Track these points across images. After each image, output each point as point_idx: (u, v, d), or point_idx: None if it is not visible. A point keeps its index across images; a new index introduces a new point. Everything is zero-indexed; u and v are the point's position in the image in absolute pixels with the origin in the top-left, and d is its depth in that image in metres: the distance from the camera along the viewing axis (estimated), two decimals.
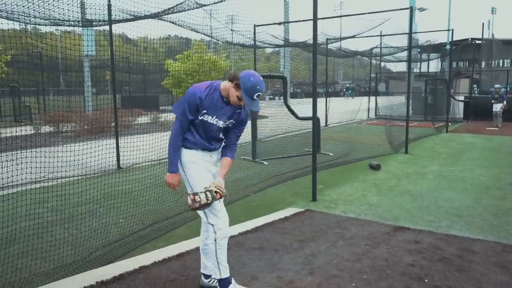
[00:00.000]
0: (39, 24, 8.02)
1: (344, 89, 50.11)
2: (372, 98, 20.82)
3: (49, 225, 4.89)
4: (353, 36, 12.33)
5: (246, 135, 10.75)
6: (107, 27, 8.16)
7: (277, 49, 18.36)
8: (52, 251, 4.07)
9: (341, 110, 18.48)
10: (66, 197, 5.84)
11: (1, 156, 5.83)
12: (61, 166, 6.49)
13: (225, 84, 3.00)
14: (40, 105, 18.22)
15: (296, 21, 10.71)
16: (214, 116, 3.02)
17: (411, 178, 7.23)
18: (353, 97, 39.41)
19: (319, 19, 5.68)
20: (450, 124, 15.02)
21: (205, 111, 2.97)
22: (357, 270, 3.46)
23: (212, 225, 3.01)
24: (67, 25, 8.49)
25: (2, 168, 5.43)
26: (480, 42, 31.05)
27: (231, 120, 3.11)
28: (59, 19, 7.58)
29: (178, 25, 7.49)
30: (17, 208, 4.68)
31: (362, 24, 11.49)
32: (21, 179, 5.62)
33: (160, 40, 11.60)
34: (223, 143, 3.23)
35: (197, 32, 7.90)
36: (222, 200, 3.07)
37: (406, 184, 6.80)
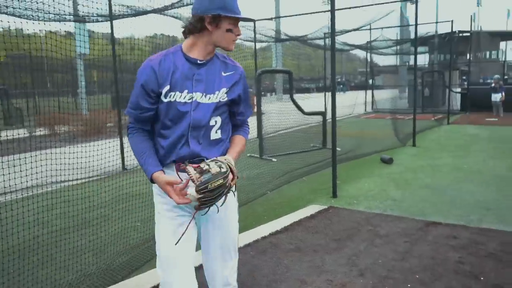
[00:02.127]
0: (33, 19, 7.65)
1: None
2: (369, 92, 20.75)
3: (62, 232, 4.61)
4: (357, 29, 12.18)
5: (252, 132, 10.60)
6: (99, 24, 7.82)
7: (265, 44, 17.97)
8: (72, 259, 3.81)
9: (338, 104, 18.32)
10: (74, 202, 5.54)
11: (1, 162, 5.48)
12: (62, 170, 6.15)
13: (189, 41, 1.90)
14: (30, 107, 17.75)
15: (309, 13, 10.49)
16: (185, 91, 1.86)
17: (427, 172, 7.09)
18: (345, 92, 39.41)
19: (337, 10, 5.48)
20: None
21: (167, 87, 1.84)
22: (407, 270, 3.28)
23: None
24: (64, 21, 8.14)
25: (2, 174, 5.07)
26: (467, 34, 31.31)
27: (224, 90, 1.94)
28: (55, 14, 7.24)
29: (183, 21, 7.22)
30: (24, 216, 4.40)
31: (363, 16, 11.32)
32: (22, 185, 5.29)
33: (146, 39, 11.31)
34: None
35: None
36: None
37: (423, 178, 6.66)
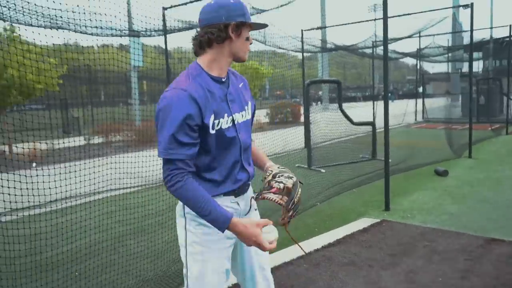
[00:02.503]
0: (91, 34, 8.08)
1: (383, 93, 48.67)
2: (419, 101, 20.08)
3: (121, 238, 4.82)
4: (408, 37, 11.91)
5: (299, 142, 10.54)
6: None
7: (310, 54, 17.81)
8: (131, 265, 3.98)
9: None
10: (131, 209, 5.79)
11: (59, 168, 5.79)
12: (118, 177, 6.40)
13: (207, 56, 1.74)
14: (87, 116, 18.73)
15: (357, 22, 10.40)
16: (225, 114, 1.73)
17: (485, 185, 6.76)
18: (393, 101, 38.35)
19: (389, 17, 5.40)
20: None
21: (212, 116, 1.68)
22: None
23: None
24: (120, 35, 8.54)
25: (61, 180, 5.36)
26: None
27: (249, 103, 1.88)
28: (110, 28, 7.62)
29: None
30: (86, 220, 4.65)
31: (414, 24, 11.04)
32: (81, 190, 5.56)
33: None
34: None
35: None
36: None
37: (482, 191, 6.34)
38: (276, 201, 1.66)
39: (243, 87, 1.88)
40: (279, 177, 1.75)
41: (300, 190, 1.71)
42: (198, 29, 1.75)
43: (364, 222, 5.01)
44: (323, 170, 8.30)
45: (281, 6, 6.48)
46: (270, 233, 1.62)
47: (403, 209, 5.56)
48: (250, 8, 6.73)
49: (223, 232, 1.65)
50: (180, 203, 1.81)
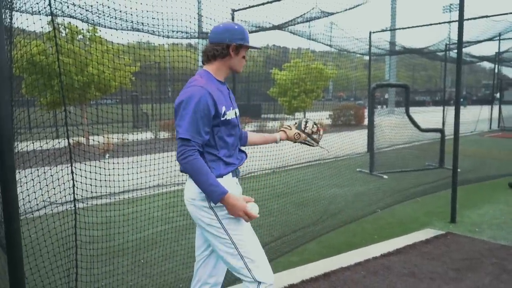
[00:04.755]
0: (162, 35, 8.49)
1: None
2: (495, 107, 18.76)
3: (183, 229, 5.05)
4: (487, 40, 11.19)
5: (360, 146, 10.26)
6: None
7: (379, 56, 17.33)
8: (191, 257, 4.15)
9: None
10: None
11: (131, 162, 6.15)
12: (182, 174, 6.67)
13: (213, 66, 2.23)
14: (155, 112, 19.69)
15: (430, 24, 9.99)
16: (231, 108, 2.23)
17: None
18: (465, 106, 36.16)
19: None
20: None
21: (224, 107, 2.16)
22: None
23: (260, 282, 2.16)
24: (191, 38, 8.90)
25: (132, 173, 5.69)
26: None
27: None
28: (182, 32, 7.96)
29: (298, 35, 7.40)
30: (152, 212, 4.91)
31: (492, 26, 10.33)
32: (149, 183, 5.86)
33: (260, 50, 11.68)
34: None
35: (316, 41, 7.73)
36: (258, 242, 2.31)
37: None
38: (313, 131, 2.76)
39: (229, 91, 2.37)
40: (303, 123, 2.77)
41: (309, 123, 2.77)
42: (208, 44, 2.24)
43: (427, 233, 4.82)
44: (385, 176, 8.07)
45: (348, 9, 6.38)
46: (253, 208, 2.08)
47: (470, 223, 5.27)
48: (319, 12, 6.71)
49: (215, 203, 2.07)
50: (197, 201, 2.18)
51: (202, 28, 8.68)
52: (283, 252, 4.37)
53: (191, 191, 2.20)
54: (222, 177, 2.17)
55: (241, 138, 2.47)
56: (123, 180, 4.78)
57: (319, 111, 13.34)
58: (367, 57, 11.70)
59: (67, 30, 10.68)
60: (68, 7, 3.68)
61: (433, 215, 5.61)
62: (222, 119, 2.14)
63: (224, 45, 2.17)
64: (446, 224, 5.20)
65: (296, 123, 2.78)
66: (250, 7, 7.51)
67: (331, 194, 6.76)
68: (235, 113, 2.27)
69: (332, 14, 6.67)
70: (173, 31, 7.79)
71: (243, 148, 2.48)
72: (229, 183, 2.17)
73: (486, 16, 9.43)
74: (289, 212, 5.73)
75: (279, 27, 7.07)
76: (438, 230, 4.96)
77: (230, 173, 2.22)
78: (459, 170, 8.16)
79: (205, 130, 2.08)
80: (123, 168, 5.22)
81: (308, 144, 2.76)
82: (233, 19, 7.94)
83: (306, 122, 2.77)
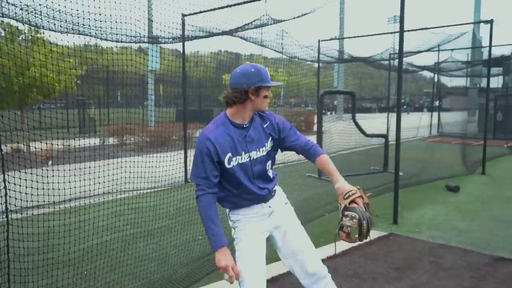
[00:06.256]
0: (111, 40, 8.28)
1: None
2: (434, 114, 19.92)
3: (130, 239, 4.91)
4: (426, 51, 11.86)
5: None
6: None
7: (328, 64, 17.82)
8: (139, 266, 4.06)
9: (401, 126, 17.75)
10: (141, 211, 5.89)
11: (74, 169, 5.90)
12: (131, 178, 6.47)
13: (233, 109, 2.26)
14: (102, 117, 19.02)
15: (375, 35, 10.41)
16: (243, 152, 2.24)
17: (497, 203, 6.69)
18: (408, 113, 38.08)
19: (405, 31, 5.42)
20: None
21: (229, 154, 2.20)
22: None
23: None
24: (140, 42, 8.74)
25: (75, 180, 5.46)
26: None
27: (269, 139, 2.35)
28: (130, 36, 7.80)
29: (250, 41, 7.48)
30: (96, 221, 4.74)
31: (432, 38, 10.98)
32: (95, 191, 5.65)
33: (211, 55, 11.69)
34: (305, 153, 2.42)
35: (267, 47, 7.85)
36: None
37: (493, 209, 6.29)
38: (348, 241, 2.24)
39: (267, 126, 2.34)
40: (345, 217, 2.20)
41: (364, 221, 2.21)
42: (229, 90, 2.26)
43: (371, 234, 5.00)
44: None
45: (296, 17, 6.54)
46: (225, 276, 2.17)
47: (411, 224, 5.54)
48: (268, 19, 6.82)
49: (213, 250, 2.17)
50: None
51: (151, 33, 8.56)
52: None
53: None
54: (240, 208, 2.33)
55: (309, 153, 2.41)
56: (65, 188, 4.58)
57: None
58: (316, 65, 12.01)
59: (6, 30, 10.11)
60: (2, 6, 3.48)
61: (377, 217, 5.83)
62: (227, 166, 2.21)
63: (242, 91, 2.18)
64: (389, 226, 5.44)
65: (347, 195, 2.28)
66: (200, 12, 7.51)
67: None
68: (249, 156, 2.26)
69: (281, 21, 6.81)
70: (121, 35, 7.60)
71: (272, 174, 2.42)
72: (247, 213, 2.33)
73: (426, 28, 10.02)
74: None
75: (229, 32, 7.11)
76: (382, 231, 5.17)
77: (253, 204, 2.32)
78: (401, 173, 8.59)
79: (213, 174, 2.19)
80: (66, 176, 5.01)
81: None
82: (183, 24, 7.89)
83: (347, 210, 2.21)
